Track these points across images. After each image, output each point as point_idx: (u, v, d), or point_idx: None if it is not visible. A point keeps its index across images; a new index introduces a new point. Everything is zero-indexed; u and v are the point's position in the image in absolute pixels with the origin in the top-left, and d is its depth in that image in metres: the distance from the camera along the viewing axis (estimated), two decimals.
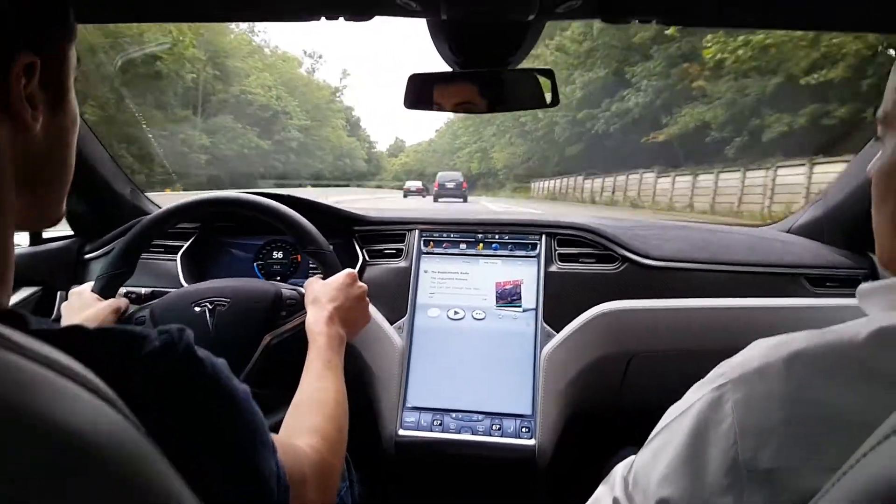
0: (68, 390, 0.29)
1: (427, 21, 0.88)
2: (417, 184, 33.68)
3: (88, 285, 0.98)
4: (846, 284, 1.25)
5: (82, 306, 0.93)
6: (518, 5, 0.81)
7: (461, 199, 22.29)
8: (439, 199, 22.20)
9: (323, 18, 0.83)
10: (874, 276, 1.25)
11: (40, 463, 0.25)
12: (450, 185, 23.10)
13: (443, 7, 0.80)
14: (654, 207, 18.01)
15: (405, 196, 29.82)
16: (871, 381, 0.41)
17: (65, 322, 0.91)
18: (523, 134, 34.76)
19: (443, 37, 0.91)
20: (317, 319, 0.87)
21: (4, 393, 0.26)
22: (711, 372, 0.50)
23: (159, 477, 0.32)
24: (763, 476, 0.42)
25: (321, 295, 0.91)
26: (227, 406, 0.43)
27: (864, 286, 0.53)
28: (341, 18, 0.83)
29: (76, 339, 0.36)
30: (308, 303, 0.92)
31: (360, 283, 0.96)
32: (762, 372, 0.45)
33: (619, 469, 0.61)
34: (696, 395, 0.49)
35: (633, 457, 0.61)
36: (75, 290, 0.97)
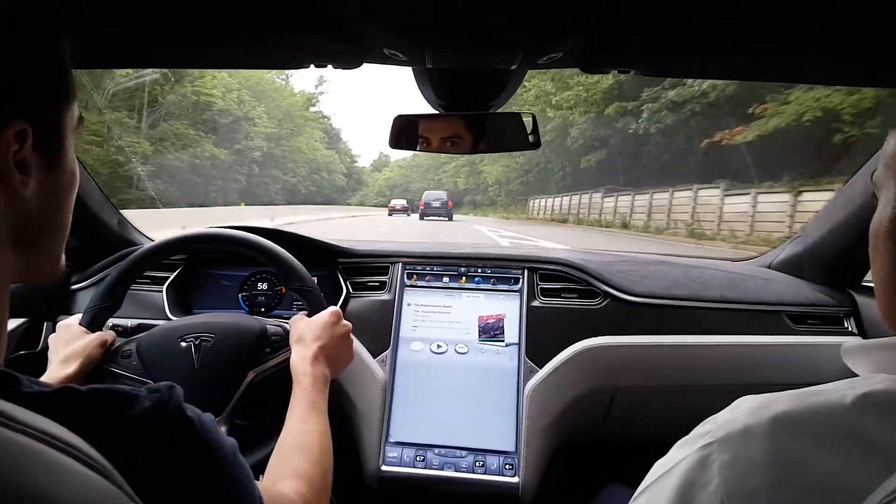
0: (63, 465, 0.32)
1: (412, 68, 1.02)
2: (402, 202, 37.60)
3: (76, 318, 1.08)
4: (827, 322, 1.41)
5: (69, 339, 1.02)
6: (501, 57, 0.95)
7: (446, 218, 24.22)
8: (425, 218, 24.20)
9: (312, 66, 0.96)
10: (855, 314, 1.41)
11: None
12: (435, 203, 25.36)
13: (428, 57, 0.94)
14: (732, 240, 14.05)
15: (390, 214, 32.88)
16: (857, 446, 0.45)
17: (52, 355, 1.01)
18: None
19: (427, 82, 1.05)
20: (302, 359, 0.96)
21: (1, 470, 0.28)
22: (696, 429, 0.55)
23: None
24: None
25: (306, 334, 1.01)
26: (216, 465, 0.48)
27: (847, 344, 0.61)
28: (330, 66, 0.97)
29: (68, 403, 0.40)
30: (293, 341, 1.02)
31: (345, 322, 1.07)
32: (747, 433, 0.49)
33: None
34: (682, 454, 0.53)
35: None
36: (63, 323, 1.07)
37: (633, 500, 0.60)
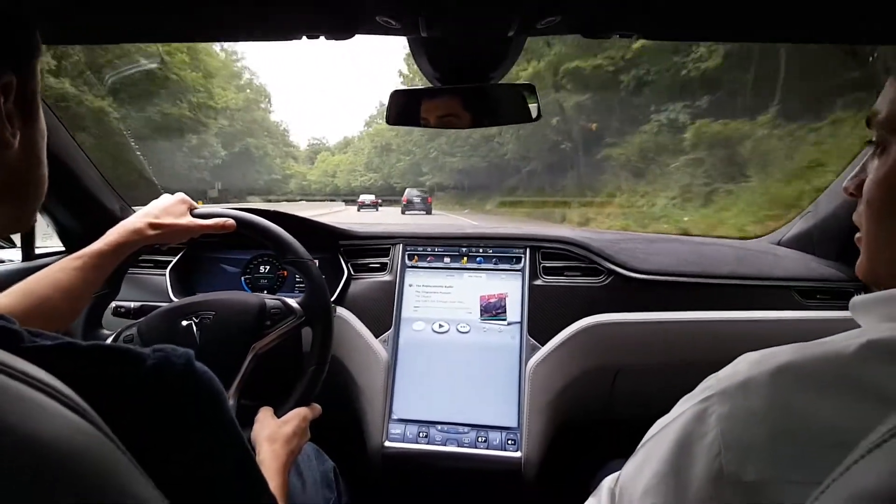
0: (36, 401, 0.32)
1: (407, 38, 1.01)
2: (371, 197, 39.31)
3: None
4: (838, 297, 1.39)
5: (168, 212, 1.03)
6: (497, 23, 0.94)
7: (425, 212, 27.85)
8: (406, 213, 27.55)
9: (304, 38, 0.95)
10: (866, 289, 1.38)
11: (7, 472, 0.28)
12: (416, 199, 28.94)
13: (422, 25, 0.93)
14: None
15: (359, 210, 34.42)
16: (859, 393, 0.44)
17: (142, 217, 1.01)
18: None
19: (423, 53, 1.04)
20: (270, 468, 0.89)
21: None
22: (698, 386, 0.55)
23: (132, 490, 0.35)
24: (747, 489, 0.45)
25: (277, 436, 0.95)
26: (227, 434, 0.48)
27: (856, 299, 0.59)
28: (322, 38, 0.96)
29: (67, 357, 0.40)
30: (262, 437, 0.95)
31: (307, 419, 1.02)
32: (747, 385, 0.49)
33: (607, 482, 0.68)
34: (682, 409, 0.54)
35: (617, 473, 0.67)
36: (181, 195, 1.09)
37: (634, 455, 0.60)
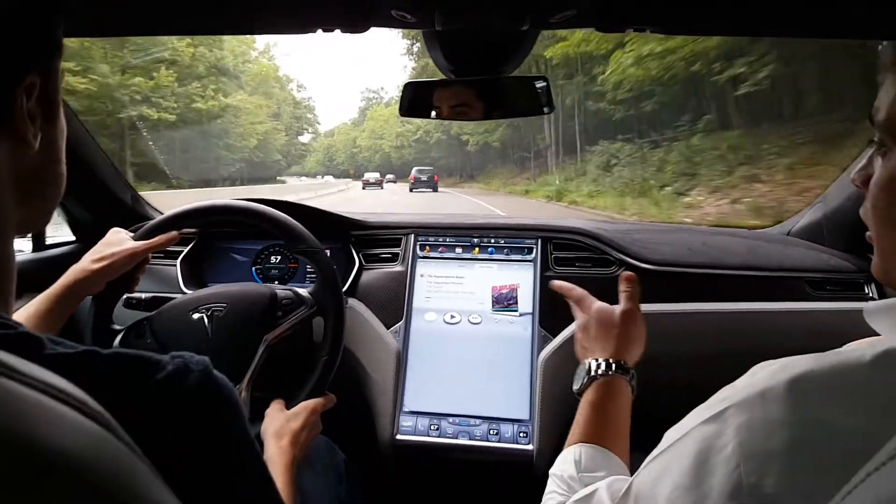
0: (61, 413, 0.32)
1: (423, 32, 1.00)
2: (376, 175, 41.03)
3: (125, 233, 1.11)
4: (848, 288, 1.38)
5: (112, 241, 1.07)
6: (512, 16, 0.92)
7: (431, 189, 30.43)
8: (413, 190, 30.19)
9: (319, 31, 0.94)
10: (877, 282, 1.38)
11: (27, 484, 0.28)
12: (423, 177, 31.66)
13: (437, 19, 0.91)
14: None
15: (364, 188, 36.61)
16: (875, 403, 0.44)
17: (91, 251, 1.05)
18: None
19: (437, 46, 1.03)
20: (277, 465, 0.89)
21: None
22: (714, 396, 0.55)
23: (152, 497, 0.35)
24: (768, 501, 0.45)
25: (284, 432, 0.94)
26: (239, 443, 0.48)
27: (869, 305, 0.58)
28: (337, 31, 0.95)
29: (89, 365, 0.40)
30: (269, 434, 0.95)
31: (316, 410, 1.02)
32: (765, 395, 0.48)
33: (603, 492, 0.66)
34: (698, 419, 0.53)
35: (613, 478, 0.67)
36: (115, 229, 1.12)
37: (646, 464, 0.59)
